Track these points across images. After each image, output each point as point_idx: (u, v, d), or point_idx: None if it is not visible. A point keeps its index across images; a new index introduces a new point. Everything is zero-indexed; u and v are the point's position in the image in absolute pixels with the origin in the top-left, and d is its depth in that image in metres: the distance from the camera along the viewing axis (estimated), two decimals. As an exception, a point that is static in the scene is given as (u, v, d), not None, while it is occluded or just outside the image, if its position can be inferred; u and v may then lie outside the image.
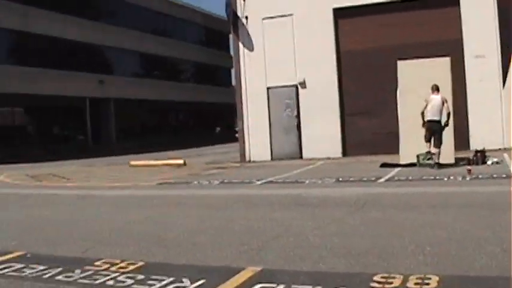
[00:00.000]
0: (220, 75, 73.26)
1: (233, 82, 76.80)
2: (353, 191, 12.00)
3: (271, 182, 15.04)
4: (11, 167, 30.13)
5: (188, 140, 56.69)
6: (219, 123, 72.02)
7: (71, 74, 47.71)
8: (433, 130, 16.11)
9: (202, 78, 68.59)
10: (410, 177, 14.00)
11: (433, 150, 16.08)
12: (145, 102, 56.53)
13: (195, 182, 16.05)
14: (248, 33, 23.86)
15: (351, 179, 14.36)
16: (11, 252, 7.49)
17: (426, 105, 16.19)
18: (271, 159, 23.11)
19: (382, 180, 13.84)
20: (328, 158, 21.61)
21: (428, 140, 16.20)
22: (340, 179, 14.37)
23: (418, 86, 16.65)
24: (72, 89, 47.51)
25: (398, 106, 17.56)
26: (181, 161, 24.41)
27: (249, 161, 23.39)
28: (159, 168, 23.51)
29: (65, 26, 47.70)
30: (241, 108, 23.98)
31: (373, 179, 14.08)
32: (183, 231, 8.43)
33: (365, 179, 14.18)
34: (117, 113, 53.30)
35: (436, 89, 16.28)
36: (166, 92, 59.69)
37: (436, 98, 16.15)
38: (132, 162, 25.77)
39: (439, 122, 16.07)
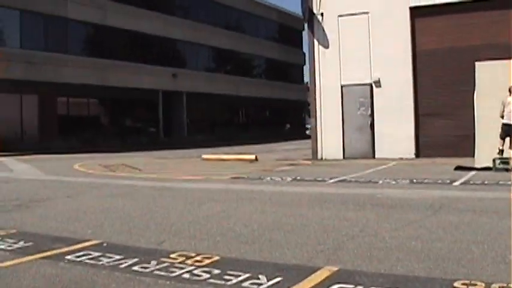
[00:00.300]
0: (292, 72, 73.24)
1: (305, 79, 77.08)
2: (428, 193, 11.79)
3: (344, 180, 14.93)
4: (85, 157, 30.84)
5: (258, 136, 57.00)
6: (288, 120, 72.04)
7: (145, 67, 48.56)
8: (510, 133, 15.78)
9: (274, 75, 68.68)
10: (486, 182, 13.67)
11: (511, 153, 15.70)
12: (216, 97, 57.01)
13: (268, 178, 16.06)
14: (323, 30, 23.80)
15: (426, 181, 14.12)
16: (88, 241, 7.63)
17: (503, 107, 15.82)
18: (343, 157, 23.06)
19: (457, 183, 13.55)
20: (401, 159, 21.40)
21: (502, 138, 15.87)
22: (415, 181, 14.15)
23: (496, 88, 16.28)
24: (146, 82, 48.37)
25: (475, 108, 17.20)
26: (253, 157, 24.64)
27: (321, 159, 23.40)
28: (231, 162, 23.73)
29: (140, 19, 48.54)
30: (315, 105, 23.97)
31: (448, 181, 13.80)
32: (257, 227, 8.40)
33: (440, 181, 13.92)
34: (189, 107, 53.92)
35: (513, 91, 15.91)
36: (238, 87, 60.10)
37: (513, 101, 15.78)
38: (205, 156, 26.09)
39: (516, 125, 15.73)
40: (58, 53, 41.51)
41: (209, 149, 35.16)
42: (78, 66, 42.36)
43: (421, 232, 7.73)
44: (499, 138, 15.94)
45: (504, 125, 15.82)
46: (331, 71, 23.53)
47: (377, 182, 14.19)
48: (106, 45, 46.03)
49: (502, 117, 15.87)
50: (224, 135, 55.84)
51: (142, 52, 49.79)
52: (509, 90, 15.93)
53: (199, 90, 54.68)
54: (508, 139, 15.91)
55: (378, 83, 22.70)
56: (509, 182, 13.32)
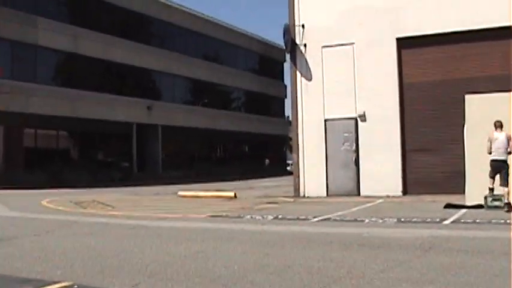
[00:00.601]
0: (273, 105, 73.52)
1: (286, 113, 77.00)
2: (417, 232, 11.80)
3: (328, 219, 14.91)
4: (53, 192, 30.59)
5: (237, 171, 56.92)
6: (269, 155, 72.14)
7: (118, 99, 48.49)
8: (500, 169, 15.83)
9: (253, 108, 68.86)
10: (478, 220, 13.69)
11: (503, 190, 15.75)
12: (193, 130, 57.01)
13: (248, 217, 16.01)
14: (306, 62, 23.94)
15: (414, 219, 14.12)
16: (57, 282, 7.53)
17: (490, 144, 15.92)
18: (327, 195, 23.05)
19: (447, 222, 13.57)
20: (388, 196, 21.42)
21: (492, 177, 15.93)
22: (403, 219, 14.15)
23: (487, 122, 16.36)
24: (119, 114, 48.27)
25: (465, 143, 17.31)
26: (232, 194, 24.60)
27: (303, 196, 23.38)
28: (209, 200, 23.69)
29: (114, 48, 48.55)
30: (297, 140, 24.01)
31: (438, 220, 13.82)
32: (238, 268, 8.33)
33: (429, 220, 13.93)
34: (164, 141, 53.84)
35: (499, 125, 16.01)
36: (216, 120, 60.16)
37: (500, 136, 15.87)
38: (181, 193, 26.04)
39: (505, 161, 15.80)
40: (26, 81, 41.17)
41: (185, 185, 35.04)
42: (48, 96, 42.13)
43: (411, 274, 7.71)
44: (488, 177, 15.97)
45: (493, 161, 15.87)
46: (314, 105, 23.63)
47: (363, 221, 14.17)
48: (77, 74, 45.88)
49: (490, 153, 15.94)
50: (201, 170, 55.80)
51: (116, 82, 49.81)
52: (495, 125, 16.03)
53: (176, 124, 54.70)
54: (498, 176, 15.95)
55: (363, 117, 22.80)
56: (502, 221, 13.37)
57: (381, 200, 20.30)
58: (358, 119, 22.91)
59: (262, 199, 23.05)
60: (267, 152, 72.01)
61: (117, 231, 13.40)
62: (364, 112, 22.76)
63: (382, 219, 14.38)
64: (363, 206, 18.36)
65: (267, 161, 71.13)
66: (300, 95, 24.04)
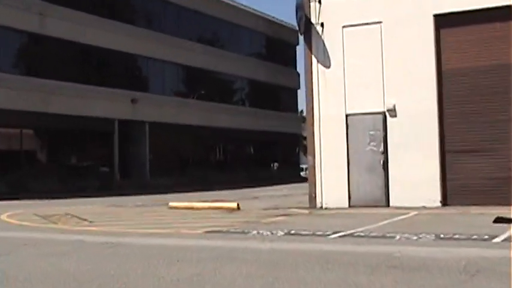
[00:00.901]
0: (284, 97, 73.53)
1: (299, 107, 77.42)
2: (461, 252, 11.74)
3: (351, 235, 14.91)
4: (16, 204, 30.65)
5: (240, 178, 56.96)
6: (278, 158, 72.11)
7: (97, 90, 48.44)
8: None
9: (260, 101, 68.79)
10: (536, 237, 13.64)
11: None
12: (187, 128, 57.05)
13: (254, 232, 16.01)
14: (324, 45, 23.96)
15: (457, 236, 14.06)
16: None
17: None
18: (349, 206, 23.14)
19: (498, 239, 13.47)
20: (424, 208, 21.42)
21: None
22: (442, 236, 14.11)
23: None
24: (98, 109, 48.24)
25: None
26: (234, 204, 24.61)
27: (321, 208, 23.49)
28: (207, 212, 23.73)
29: (91, 28, 48.35)
30: (313, 140, 24.05)
31: (486, 237, 13.74)
32: (243, 296, 8.33)
33: (475, 237, 13.88)
34: (153, 141, 53.83)
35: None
36: (214, 116, 60.15)
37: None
38: (172, 204, 26.15)
39: None
40: (-20, 69, 41.26)
41: (178, 195, 35.05)
42: (9, 87, 42.03)
43: (454, 303, 7.69)
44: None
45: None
46: (333, 97, 23.69)
47: (394, 237, 14.17)
48: (45, 60, 45.80)
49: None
50: (197, 177, 55.85)
51: (93, 70, 49.87)
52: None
53: (166, 120, 54.74)
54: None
55: (392, 112, 22.82)
56: None
57: (415, 212, 20.27)
58: (387, 113, 22.93)
59: (271, 211, 23.09)
60: (276, 154, 72.11)
61: (95, 251, 13.36)
62: (394, 105, 22.75)
63: (417, 235, 14.33)
64: (393, 219, 18.37)
65: (275, 165, 71.26)
66: (316, 85, 24.05)
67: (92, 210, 26.19)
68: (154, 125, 53.62)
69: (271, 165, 70.77)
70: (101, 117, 48.85)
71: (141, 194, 39.93)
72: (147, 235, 16.25)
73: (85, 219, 21.36)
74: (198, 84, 60.63)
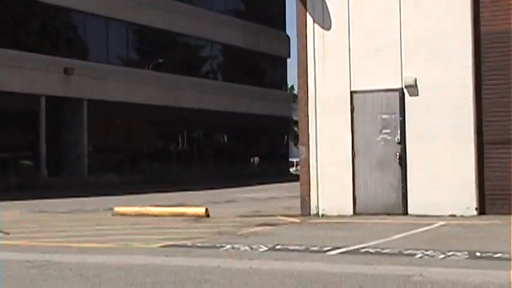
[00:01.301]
0: (268, 69, 73.60)
1: (289, 81, 77.50)
2: (501, 275, 11.70)
3: (356, 252, 14.94)
4: None
5: (210, 175, 56.96)
6: (259, 148, 72.07)
7: (17, 56, 48.03)
8: None
9: (237, 73, 68.70)
10: None
11: None
12: (139, 109, 56.76)
13: (228, 247, 16.00)
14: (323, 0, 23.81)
15: (498, 255, 14.01)
16: None
17: None
18: (354, 212, 23.06)
19: (551, 258, 13.50)
20: (453, 217, 21.43)
21: None
22: (478, 254, 14.13)
23: None
24: (17, 82, 47.76)
25: None
26: (201, 210, 24.62)
27: (316, 215, 23.39)
28: (165, 219, 23.71)
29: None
30: (307, 125, 23.95)
31: (537, 256, 13.75)
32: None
33: (521, 255, 13.89)
34: (93, 125, 53.62)
35: None
36: (177, 93, 59.88)
37: None
38: (119, 209, 26.16)
39: None
40: None
41: (127, 197, 35.01)
42: None
43: None
44: None
45: None
46: (334, 69, 23.62)
47: (413, 255, 14.19)
48: None
49: None
50: (153, 173, 55.73)
51: (11, 30, 49.46)
52: None
53: (111, 98, 54.56)
54: None
55: (413, 88, 22.66)
56: None
57: (441, 223, 20.22)
58: (406, 91, 22.80)
59: (251, 219, 23.16)
60: (257, 145, 72.07)
61: (12, 272, 13.25)
62: (416, 80, 22.58)
63: (444, 253, 14.34)
64: (413, 232, 18.34)
65: (255, 159, 71.21)
66: (311, 52, 23.94)
67: (10, 217, 25.96)
68: (94, 104, 53.30)
69: (251, 159, 70.76)
70: (21, 92, 48.40)
71: (77, 195, 39.65)
72: (84, 251, 16.15)
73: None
74: (155, 50, 60.44)
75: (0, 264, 14.07)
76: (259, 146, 72.34)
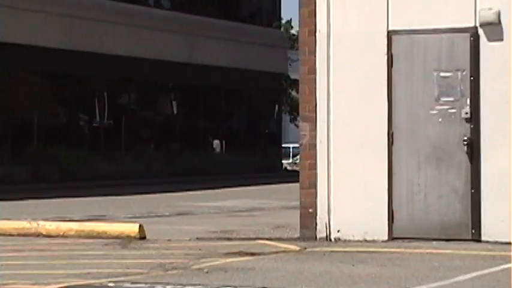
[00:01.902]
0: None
1: (283, 15, 78.26)
2: None
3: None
4: None
5: (150, 168, 56.74)
6: (232, 126, 71.75)
7: None
8: None
9: (206, 3, 68.63)
10: None
11: None
12: (53, 53, 56.11)
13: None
14: None
15: None
16: None
17: None
18: (390, 236, 22.59)
19: None
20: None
21: None
22: None
23: None
24: None
25: None
26: (132, 228, 24.50)
27: (327, 238, 22.93)
28: (71, 243, 23.65)
29: None
30: (313, 87, 23.03)
31: None
32: None
33: None
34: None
35: None
36: (96, 31, 59.73)
37: None
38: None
39: None
40: None
41: (4, 204, 34.40)
42: None
43: None
44: None
45: None
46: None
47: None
48: None
49: None
50: (52, 164, 55.15)
51: None
52: None
53: (13, 40, 54.69)
54: None
55: (495, 27, 21.82)
56: None
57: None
58: (482, 31, 21.88)
59: (216, 243, 23.07)
60: (229, 120, 71.60)
61: None
62: (499, 14, 21.60)
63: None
64: (490, 270, 17.70)
65: (216, 143, 70.84)
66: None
67: None
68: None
69: (212, 143, 70.40)
70: None
71: None
72: None
73: None
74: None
75: None
76: (232, 121, 72.01)
